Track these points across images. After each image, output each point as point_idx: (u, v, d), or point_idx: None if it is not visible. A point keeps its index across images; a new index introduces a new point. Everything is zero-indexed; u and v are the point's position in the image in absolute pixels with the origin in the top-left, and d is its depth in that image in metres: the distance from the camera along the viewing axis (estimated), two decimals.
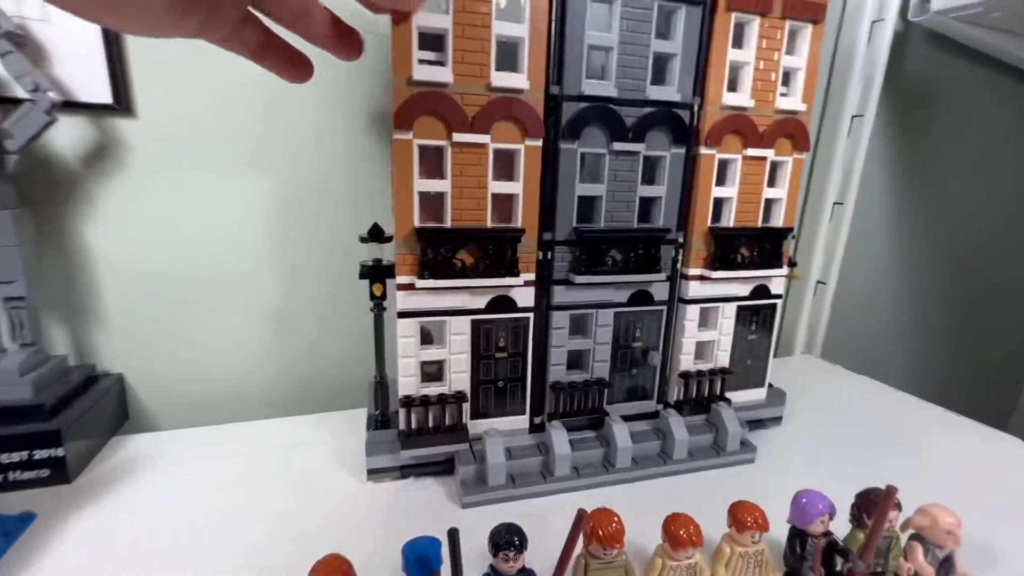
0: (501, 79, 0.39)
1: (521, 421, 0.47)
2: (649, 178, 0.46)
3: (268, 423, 0.56)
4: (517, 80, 0.40)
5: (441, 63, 0.38)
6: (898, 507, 0.34)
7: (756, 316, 0.53)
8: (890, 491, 0.31)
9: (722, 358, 0.52)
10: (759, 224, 0.50)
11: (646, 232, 0.46)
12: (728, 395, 0.53)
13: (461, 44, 0.38)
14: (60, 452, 0.44)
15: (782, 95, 0.48)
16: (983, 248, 1.04)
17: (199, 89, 0.52)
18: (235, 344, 0.60)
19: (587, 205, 0.44)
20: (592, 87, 0.41)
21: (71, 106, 0.48)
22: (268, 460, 0.49)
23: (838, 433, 0.58)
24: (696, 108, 0.46)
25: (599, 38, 0.41)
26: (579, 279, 0.44)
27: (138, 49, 0.50)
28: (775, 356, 0.85)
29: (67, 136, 0.50)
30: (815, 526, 0.33)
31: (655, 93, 0.43)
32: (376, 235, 0.42)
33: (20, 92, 0.45)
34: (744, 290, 0.51)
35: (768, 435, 0.56)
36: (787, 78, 0.48)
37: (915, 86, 0.85)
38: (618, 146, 0.43)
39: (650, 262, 0.46)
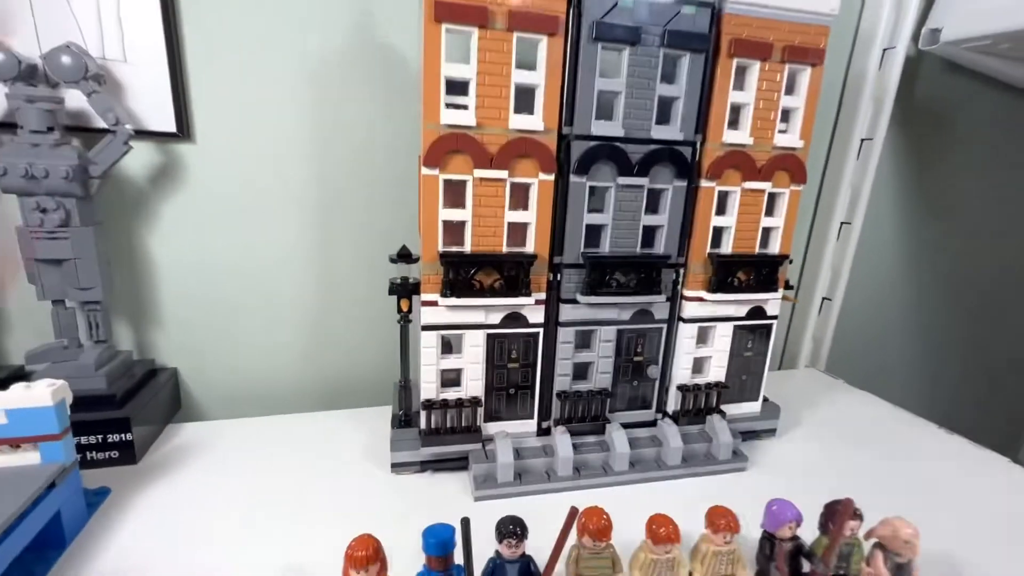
0: (518, 122, 0.44)
1: (529, 425, 0.53)
2: (652, 208, 0.50)
3: (305, 416, 0.63)
4: (533, 122, 0.44)
5: (465, 107, 0.43)
6: (859, 517, 0.37)
7: (752, 335, 0.57)
8: (847, 503, 0.35)
9: (718, 373, 0.56)
10: (756, 251, 0.54)
11: (647, 257, 0.50)
12: (724, 407, 0.57)
13: (484, 91, 0.43)
14: (129, 436, 0.50)
15: (781, 132, 0.51)
16: (991, 265, 1.05)
17: (251, 118, 0.59)
18: (279, 347, 0.67)
19: (594, 232, 0.49)
20: (600, 127, 0.46)
21: (140, 134, 0.55)
22: (305, 450, 0.55)
23: (829, 446, 0.61)
24: (698, 144, 0.50)
25: (608, 84, 0.45)
26: (584, 299, 0.49)
27: (199, 85, 0.57)
28: (779, 369, 0.92)
29: (136, 160, 0.57)
30: (783, 531, 0.37)
31: (659, 132, 0.47)
32: (404, 256, 0.48)
33: (100, 123, 0.51)
34: (740, 311, 0.55)
35: (762, 446, 0.60)
36: (786, 116, 0.52)
37: (926, 110, 0.87)
38: (623, 180, 0.48)
39: (651, 284, 0.51)
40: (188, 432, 0.59)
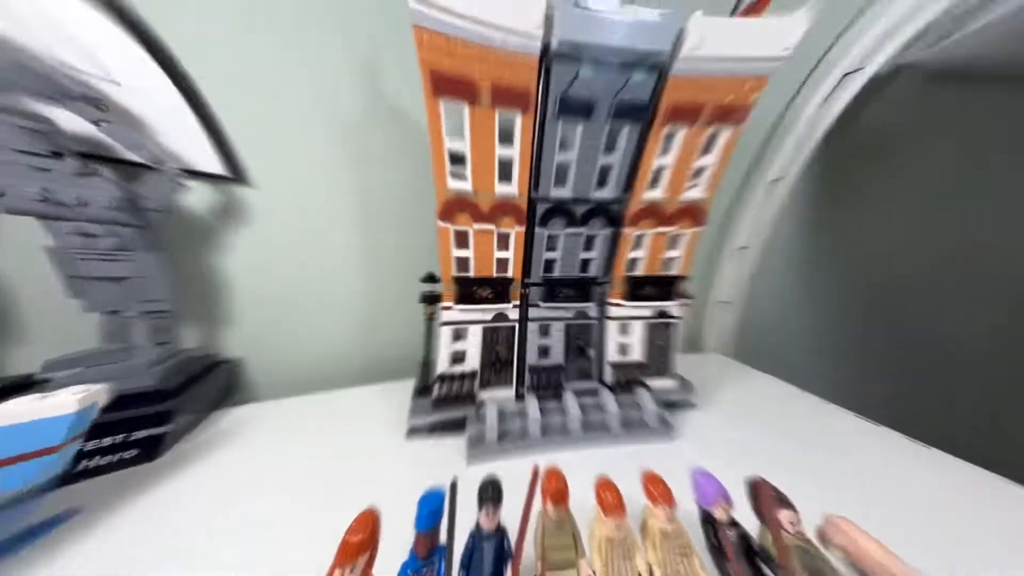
0: (501, 188, 0.68)
1: (511, 391, 0.77)
2: (588, 247, 0.76)
3: (343, 392, 0.84)
4: (511, 189, 0.69)
5: (464, 176, 0.67)
6: (790, 506, 0.38)
7: (663, 329, 0.83)
8: (762, 486, 0.37)
9: (638, 355, 0.82)
10: (660, 273, 0.80)
11: (583, 279, 0.76)
12: (647, 381, 0.83)
13: (476, 163, 0.66)
14: (165, 430, 0.61)
15: (691, 187, 0.77)
16: (884, 252, 1.24)
17: (296, 157, 0.81)
18: (329, 335, 0.89)
19: (549, 264, 0.74)
20: (557, 192, 0.71)
21: (192, 173, 0.72)
22: (341, 421, 0.75)
23: (744, 424, 0.77)
24: (626, 200, 0.75)
25: (565, 156, 0.69)
26: (543, 305, 0.74)
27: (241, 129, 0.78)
28: (689, 352, 1.19)
29: (192, 194, 0.75)
30: (718, 512, 0.39)
31: (597, 194, 0.72)
32: (430, 278, 0.72)
33: (134, 156, 0.61)
34: (650, 312, 0.81)
35: (685, 417, 0.80)
36: (698, 174, 0.77)
37: (866, 134, 1.08)
38: (569, 230, 0.73)
39: (586, 296, 0.76)
40: (239, 413, 0.76)
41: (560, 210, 0.71)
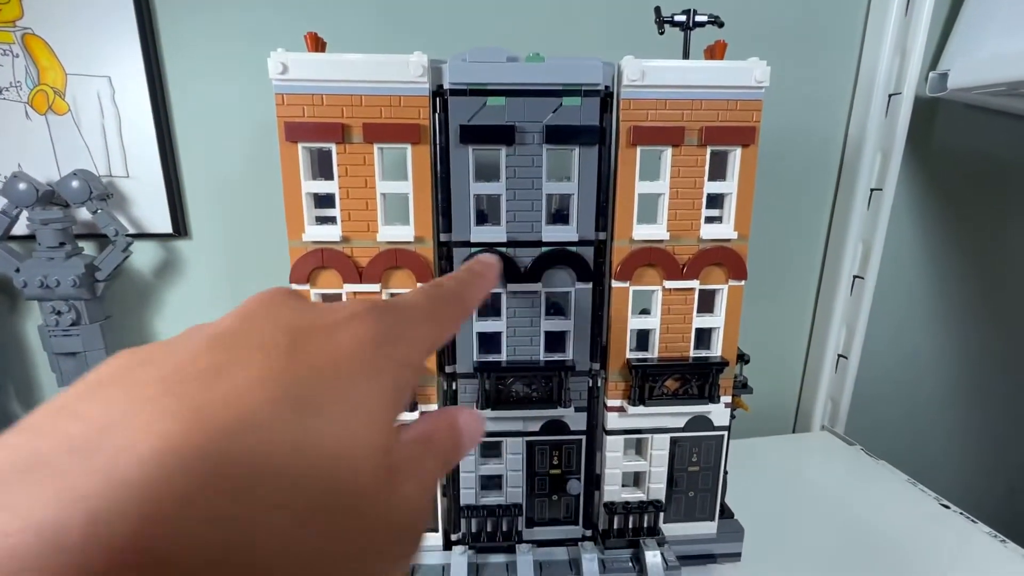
0: (389, 232, 0.42)
1: (434, 538, 0.49)
2: (554, 313, 0.46)
3: None
4: (404, 231, 0.42)
5: (331, 220, 0.42)
6: None
7: (697, 448, 0.49)
8: None
9: (655, 491, 0.49)
10: (690, 354, 0.47)
11: (553, 366, 0.46)
12: (669, 527, 0.50)
13: (346, 200, 0.41)
14: None
15: (710, 224, 0.45)
16: None
17: (241, 214, 0.64)
18: None
19: (488, 341, 0.45)
20: (482, 234, 0.43)
21: (143, 236, 0.62)
22: None
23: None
24: (608, 242, 0.45)
25: (485, 187, 0.42)
26: (483, 412, 0.45)
27: (194, 190, 0.63)
28: (792, 432, 0.82)
29: (141, 257, 0.63)
30: None
31: (551, 234, 0.43)
32: None
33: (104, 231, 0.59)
34: (678, 422, 0.48)
35: (722, 571, 0.52)
36: (717, 206, 0.45)
37: (950, 155, 0.76)
38: (514, 287, 0.44)
39: (558, 393, 0.46)
40: None
41: None
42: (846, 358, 0.78)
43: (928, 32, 0.66)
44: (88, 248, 0.60)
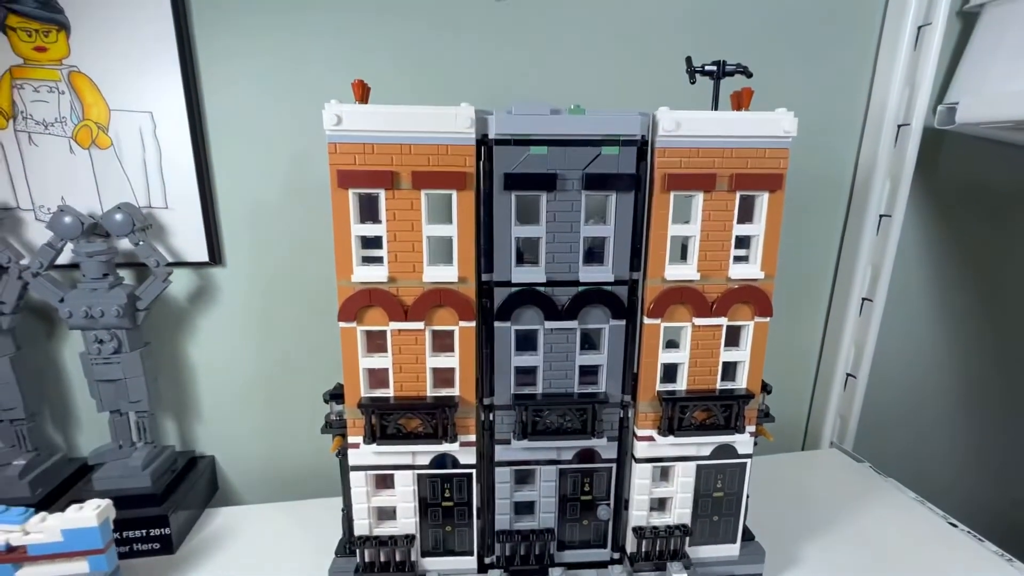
0: (433, 273, 0.44)
1: (470, 561, 0.51)
2: (592, 346, 0.48)
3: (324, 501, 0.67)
4: (448, 272, 0.44)
5: (378, 260, 0.44)
6: None
7: (721, 475, 0.51)
8: None
9: (681, 515, 0.51)
10: (716, 387, 0.49)
11: (586, 398, 0.48)
12: (693, 550, 0.52)
13: (394, 242, 0.43)
14: (167, 531, 0.58)
15: (738, 263, 0.47)
16: None
17: (273, 243, 0.66)
18: (307, 437, 0.71)
19: (525, 375, 0.48)
20: (522, 274, 0.45)
21: (180, 264, 0.64)
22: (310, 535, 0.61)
23: None
24: (640, 281, 0.47)
25: (526, 231, 0.44)
26: (520, 442, 0.47)
27: (229, 220, 0.65)
28: (802, 448, 0.84)
29: (178, 285, 0.65)
30: None
31: (587, 275, 0.45)
32: (337, 395, 0.49)
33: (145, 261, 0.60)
34: (704, 451, 0.50)
35: None
36: (744, 246, 0.47)
37: (956, 183, 0.80)
38: (552, 324, 0.46)
39: (591, 424, 0.48)
40: (221, 517, 0.66)
41: (532, 298, 0.45)
42: (855, 377, 0.80)
43: (936, 65, 0.68)
44: (126, 276, 0.62)
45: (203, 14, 0.57)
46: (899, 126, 0.71)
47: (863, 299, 0.78)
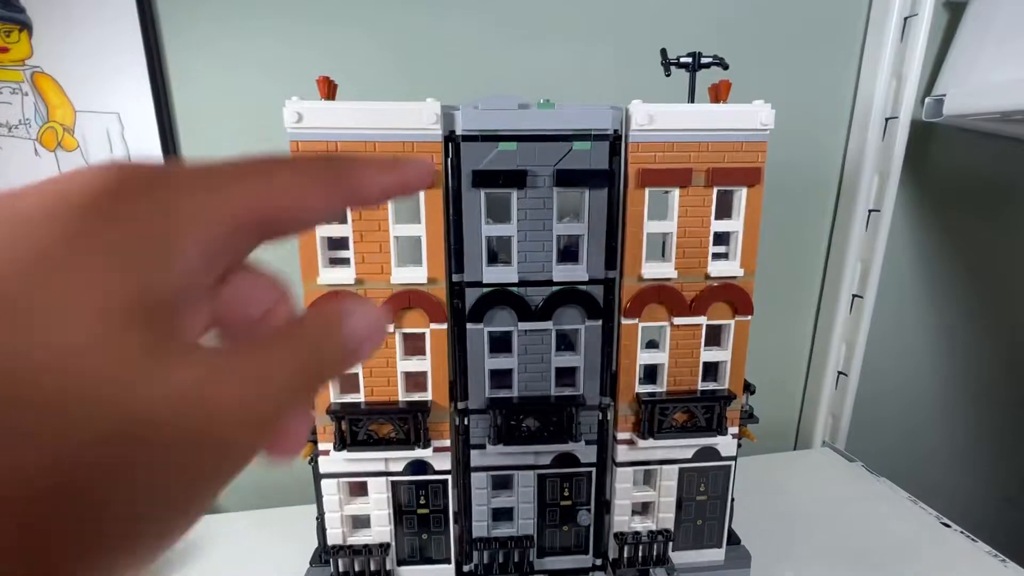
0: (402, 274, 0.43)
1: (448, 570, 0.50)
2: (564, 348, 0.46)
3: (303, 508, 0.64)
4: (417, 273, 0.43)
5: (345, 262, 0.43)
6: None
7: (705, 478, 0.50)
8: None
9: (664, 520, 0.50)
10: (698, 388, 0.48)
11: (563, 401, 0.46)
12: (677, 555, 0.51)
13: (360, 243, 0.42)
14: None
15: (717, 260, 0.45)
16: None
17: None
18: None
19: (500, 377, 0.46)
20: (494, 274, 0.43)
21: None
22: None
23: None
24: (617, 280, 0.45)
25: (497, 229, 0.43)
26: (496, 447, 0.46)
27: None
28: (794, 448, 0.83)
29: None
30: None
31: (561, 274, 0.44)
32: None
33: None
34: (686, 453, 0.49)
35: None
36: (723, 243, 0.46)
37: (947, 176, 0.78)
38: (526, 325, 0.44)
39: (568, 427, 0.46)
40: (198, 525, 0.62)
41: (505, 298, 0.44)
42: (846, 375, 0.79)
43: (924, 57, 0.67)
44: None
45: (170, 8, 0.56)
46: (887, 119, 0.70)
47: (853, 296, 0.77)
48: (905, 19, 0.67)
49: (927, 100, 0.69)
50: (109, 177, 0.12)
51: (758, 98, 0.43)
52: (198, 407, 0.12)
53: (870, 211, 0.73)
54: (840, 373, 0.80)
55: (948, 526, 0.63)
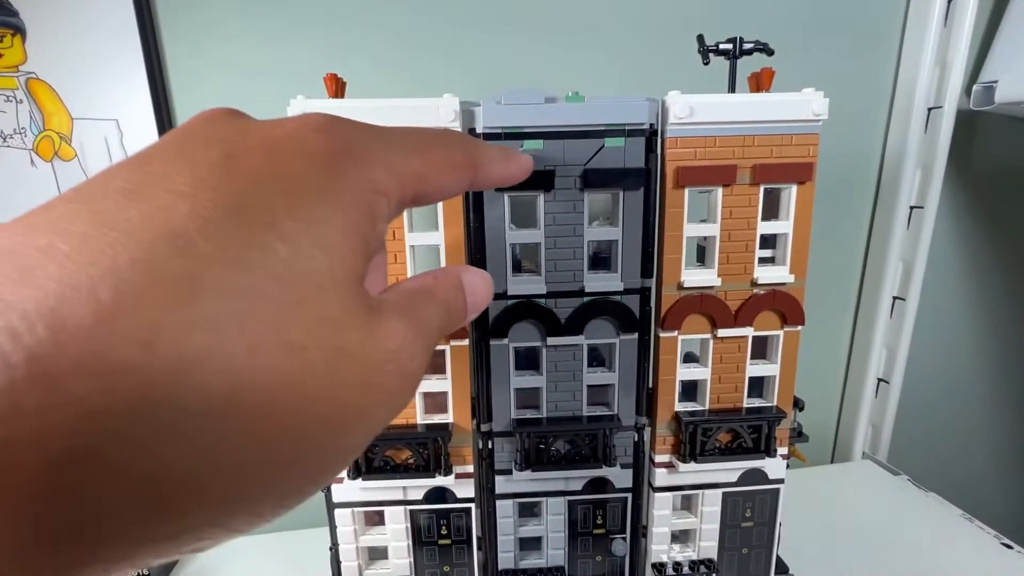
0: None
1: None
2: (596, 364, 0.43)
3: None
4: None
5: None
6: None
7: (750, 503, 0.46)
8: None
9: (706, 549, 0.46)
10: (743, 405, 0.43)
11: (596, 421, 0.42)
12: None
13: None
14: (145, 572, 0.53)
15: (764, 266, 0.41)
16: None
17: None
18: None
19: (526, 398, 0.42)
20: (519, 285, 0.40)
21: None
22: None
23: None
24: (654, 289, 0.41)
25: (523, 235, 0.39)
26: (522, 473, 0.42)
27: None
28: (831, 461, 0.79)
29: None
30: None
31: (593, 284, 0.40)
32: None
33: None
34: (730, 476, 0.45)
35: None
36: (770, 246, 0.42)
37: (995, 171, 0.73)
38: (555, 340, 0.41)
39: (603, 450, 0.43)
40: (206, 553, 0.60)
41: (531, 311, 0.40)
42: (887, 383, 0.75)
43: (970, 42, 0.62)
44: None
45: (168, 9, 0.53)
46: (930, 109, 0.65)
47: (894, 298, 0.72)
48: (949, 1, 0.63)
49: (975, 87, 0.65)
50: (335, 142, 0.15)
51: (791, 88, 0.39)
52: (407, 354, 0.15)
53: (912, 208, 0.69)
54: (881, 380, 0.75)
55: (1010, 547, 0.58)
